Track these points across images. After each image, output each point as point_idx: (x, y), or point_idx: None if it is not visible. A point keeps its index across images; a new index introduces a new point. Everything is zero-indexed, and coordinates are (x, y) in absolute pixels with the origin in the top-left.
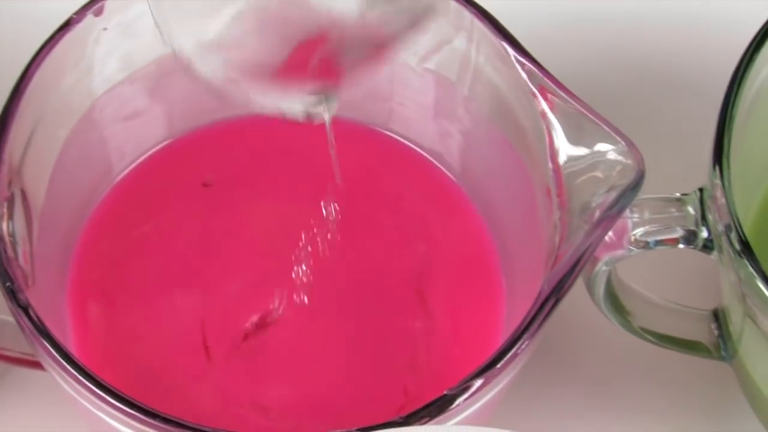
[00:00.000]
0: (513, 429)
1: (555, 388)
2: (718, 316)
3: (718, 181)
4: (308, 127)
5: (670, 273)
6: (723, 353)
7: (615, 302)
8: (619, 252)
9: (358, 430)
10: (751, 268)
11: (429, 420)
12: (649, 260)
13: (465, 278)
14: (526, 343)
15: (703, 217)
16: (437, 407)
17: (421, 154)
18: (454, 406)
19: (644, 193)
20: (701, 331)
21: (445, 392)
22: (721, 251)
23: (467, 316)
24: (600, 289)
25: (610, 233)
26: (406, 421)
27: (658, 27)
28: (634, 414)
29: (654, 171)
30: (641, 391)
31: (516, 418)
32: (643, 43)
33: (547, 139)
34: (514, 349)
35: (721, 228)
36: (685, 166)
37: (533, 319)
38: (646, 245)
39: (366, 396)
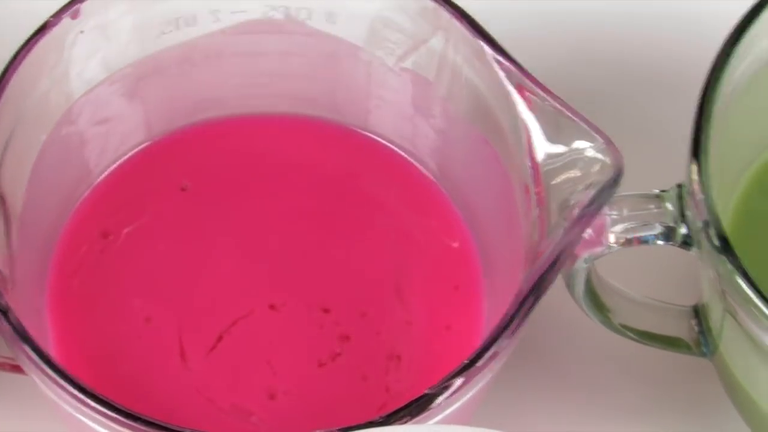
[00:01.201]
0: (495, 428)
1: (536, 386)
2: (698, 313)
3: (696, 177)
4: (285, 129)
5: (650, 269)
6: (704, 349)
7: (595, 300)
8: (598, 249)
9: (338, 430)
10: (730, 264)
11: (410, 419)
12: (629, 257)
13: (444, 277)
14: (506, 341)
15: (682, 214)
16: (417, 406)
17: (399, 154)
18: (434, 405)
19: (623, 191)
20: (681, 328)
21: (425, 391)
22: (700, 247)
23: (447, 315)
24: (580, 286)
25: (589, 230)
26: (387, 420)
27: (635, 24)
28: (615, 411)
29: (633, 168)
30: (622, 388)
31: (497, 417)
32: (621, 40)
33: (525, 137)
34: (493, 348)
35: (699, 224)
36: (663, 162)
37: (513, 317)
38: (626, 242)
39: (347, 396)
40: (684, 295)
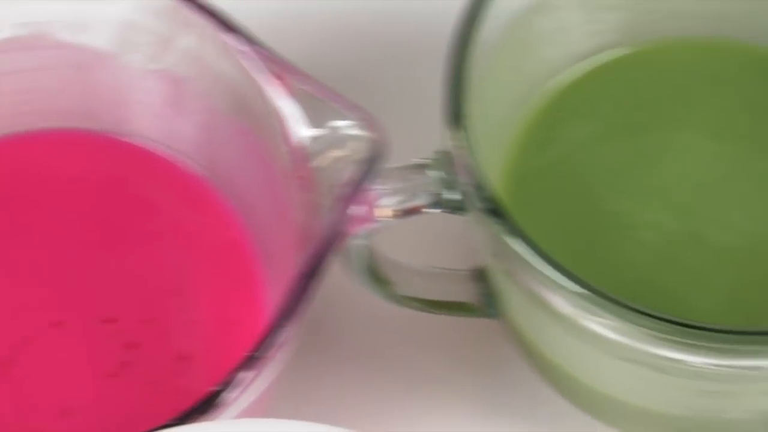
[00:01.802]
0: (297, 414)
1: (331, 368)
2: (481, 275)
3: (458, 143)
4: (52, 144)
5: (432, 237)
6: (490, 311)
7: (375, 275)
8: (372, 224)
9: None
10: (502, 226)
11: (201, 417)
12: (408, 227)
13: (225, 271)
14: (289, 328)
15: (450, 180)
16: (206, 404)
17: (165, 155)
18: (223, 401)
19: (395, 163)
20: (466, 292)
21: (212, 388)
22: (471, 211)
23: (232, 309)
24: (357, 263)
25: (361, 207)
26: (178, 422)
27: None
28: (413, 381)
29: (401, 140)
30: (417, 357)
31: (296, 403)
32: (375, 15)
33: (285, 123)
34: (276, 337)
35: (466, 188)
36: (431, 131)
37: (291, 304)
38: (398, 214)
39: (141, 403)
40: (468, 258)
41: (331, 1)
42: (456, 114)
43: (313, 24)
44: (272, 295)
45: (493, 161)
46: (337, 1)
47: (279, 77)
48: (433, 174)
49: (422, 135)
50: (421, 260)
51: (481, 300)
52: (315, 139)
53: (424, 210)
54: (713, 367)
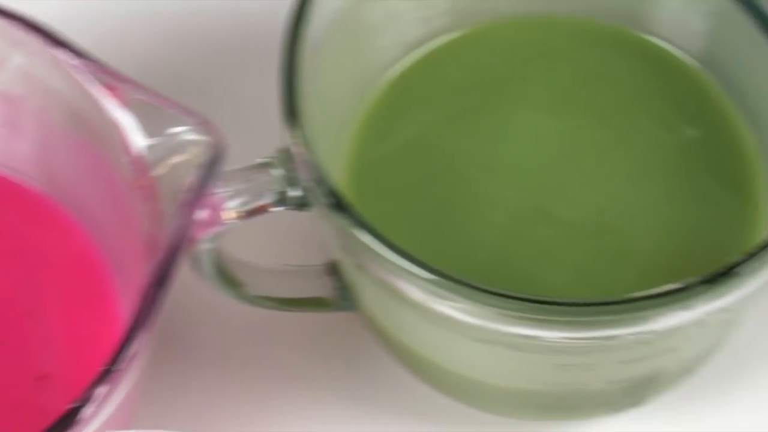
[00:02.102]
0: (161, 424)
1: (193, 374)
2: (333, 269)
3: (295, 138)
4: None
5: (284, 234)
6: (346, 304)
7: (225, 277)
8: (218, 228)
9: None
10: (347, 219)
11: None
12: (261, 226)
13: (75, 287)
14: (141, 339)
15: (292, 177)
16: (64, 423)
17: (3, 175)
18: (81, 417)
19: (240, 164)
20: (320, 287)
21: (69, 406)
22: (314, 207)
23: (86, 324)
24: (207, 267)
25: (205, 211)
26: None
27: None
28: (276, 381)
29: (246, 140)
30: (278, 357)
31: (161, 411)
32: (208, 18)
33: (123, 133)
34: (130, 349)
35: (308, 184)
36: (275, 129)
37: (141, 314)
38: (243, 215)
39: (2, 424)
40: (320, 253)
41: (158, 4)
42: (291, 111)
43: (145, 31)
44: (125, 307)
45: (336, 155)
46: (164, 3)
47: (112, 88)
48: (276, 172)
49: (267, 134)
50: (276, 258)
51: (335, 294)
52: (154, 147)
53: (269, 209)
54: (568, 341)
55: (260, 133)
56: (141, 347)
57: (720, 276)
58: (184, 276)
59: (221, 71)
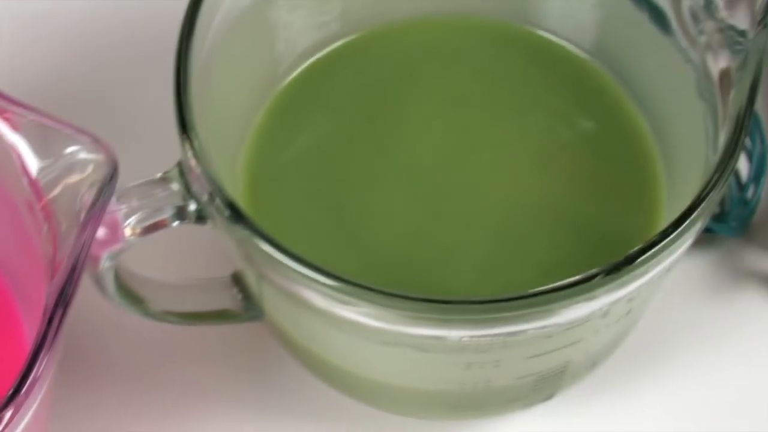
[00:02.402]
0: None
1: (104, 393)
2: (238, 280)
3: (189, 152)
4: None
5: (188, 247)
6: (252, 314)
7: (129, 295)
8: (118, 246)
9: None
10: (246, 230)
11: None
12: (165, 240)
13: None
14: (45, 360)
15: (189, 191)
16: None
17: None
18: None
19: (139, 179)
20: (226, 299)
21: None
22: (213, 219)
23: None
24: (109, 285)
25: (103, 229)
26: None
27: (107, 16)
28: (188, 395)
29: (149, 154)
30: (189, 371)
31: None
32: (98, 35)
33: (16, 157)
34: (34, 371)
35: (206, 197)
36: (171, 144)
37: (44, 335)
38: (143, 232)
39: None
40: (225, 265)
41: (47, 21)
42: (183, 124)
43: (36, 51)
44: (29, 330)
45: (235, 165)
46: (53, 20)
47: (2, 112)
48: (174, 187)
49: (168, 148)
50: (183, 271)
51: (241, 305)
52: (49, 168)
53: (169, 224)
54: (473, 339)
55: (163, 146)
56: (46, 369)
57: (621, 265)
58: (89, 294)
59: (119, 86)
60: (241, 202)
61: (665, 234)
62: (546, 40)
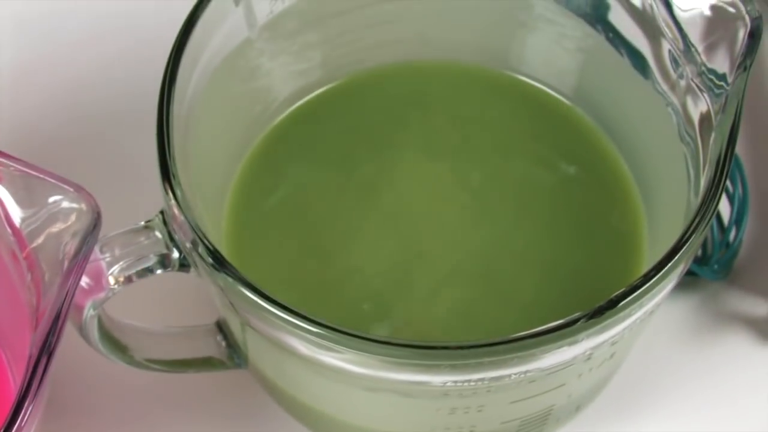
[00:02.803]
0: None
1: None
2: (221, 327)
3: (172, 200)
4: None
5: (173, 295)
6: (236, 361)
7: (113, 343)
8: (101, 295)
9: None
10: (230, 278)
11: None
12: (151, 287)
13: None
14: (30, 409)
15: (172, 239)
16: None
17: None
18: None
19: (122, 228)
20: (210, 346)
21: None
22: (197, 267)
23: None
24: (93, 334)
25: (87, 279)
26: None
27: (90, 68)
28: None
29: (126, 205)
30: (175, 418)
31: None
32: (80, 85)
33: (4, 206)
34: (19, 420)
35: (188, 245)
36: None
37: (29, 384)
38: (126, 280)
39: None
40: (208, 312)
41: (29, 70)
42: (166, 173)
43: (18, 102)
44: (15, 379)
45: (217, 213)
46: (35, 70)
47: None
48: (156, 235)
49: (150, 196)
50: (168, 319)
51: (226, 352)
52: (33, 217)
53: (152, 272)
54: (457, 384)
55: (146, 194)
56: (30, 418)
57: (603, 309)
58: (74, 342)
59: (101, 135)
60: (224, 250)
61: (647, 277)
62: (528, 86)
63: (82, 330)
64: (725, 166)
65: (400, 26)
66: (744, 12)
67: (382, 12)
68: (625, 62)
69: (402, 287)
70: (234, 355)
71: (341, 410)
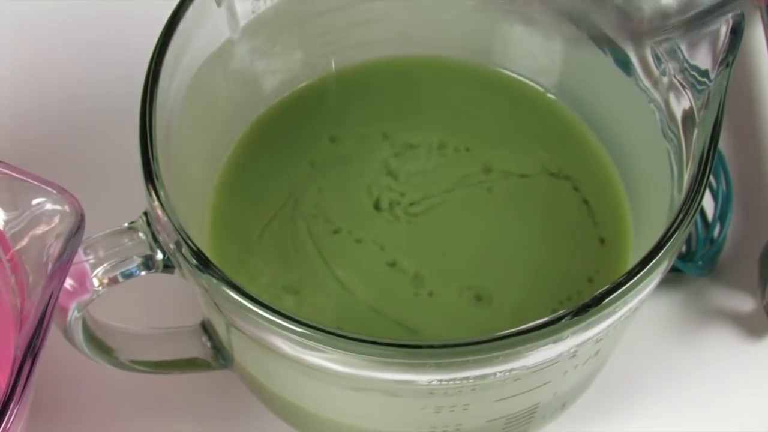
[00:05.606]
0: None
1: None
2: (206, 328)
3: (155, 201)
4: None
5: (157, 296)
6: (221, 362)
7: (97, 344)
8: (86, 296)
9: None
10: (214, 279)
11: None
12: (136, 288)
13: None
14: (15, 410)
15: (155, 240)
16: None
17: None
18: None
19: (106, 229)
20: (195, 347)
21: None
22: (181, 268)
23: None
24: (78, 336)
25: (71, 281)
26: None
27: (69, 66)
28: None
29: (109, 206)
30: (161, 420)
31: None
32: (63, 87)
33: None
34: (4, 423)
35: (172, 246)
36: (137, 193)
37: (14, 387)
38: (111, 282)
39: None
40: (193, 312)
41: (13, 76)
42: (148, 174)
43: (1, 105)
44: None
45: (201, 213)
46: (17, 73)
47: None
48: (140, 236)
49: (134, 198)
50: (155, 320)
51: (211, 353)
52: (16, 219)
53: (137, 274)
54: (442, 383)
55: (130, 196)
56: (15, 420)
57: (587, 306)
58: (59, 344)
59: (84, 137)
60: (208, 250)
61: (632, 274)
62: (512, 81)
63: (66, 332)
64: (708, 162)
65: (383, 25)
66: None
67: (364, 11)
68: (607, 59)
69: (387, 287)
70: (219, 355)
71: (326, 409)
